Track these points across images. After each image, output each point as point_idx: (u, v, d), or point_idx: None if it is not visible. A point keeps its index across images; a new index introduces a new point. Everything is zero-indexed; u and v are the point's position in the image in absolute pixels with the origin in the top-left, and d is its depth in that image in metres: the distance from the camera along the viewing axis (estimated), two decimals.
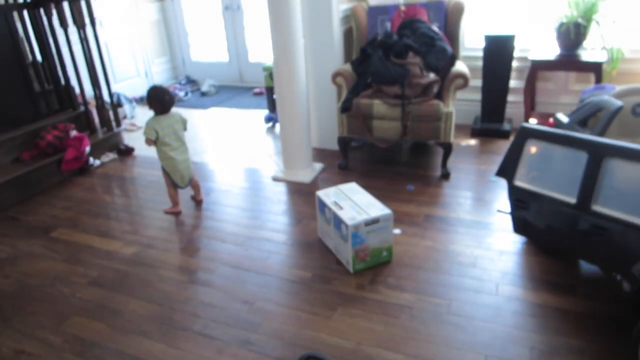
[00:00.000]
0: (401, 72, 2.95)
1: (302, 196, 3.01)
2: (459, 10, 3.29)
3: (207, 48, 5.89)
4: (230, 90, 5.55)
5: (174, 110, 2.81)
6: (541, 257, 2.26)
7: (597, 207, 1.73)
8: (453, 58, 3.06)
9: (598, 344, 1.77)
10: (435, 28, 3.16)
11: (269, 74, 4.06)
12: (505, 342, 1.81)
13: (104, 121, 3.90)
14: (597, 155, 1.70)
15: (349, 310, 2.02)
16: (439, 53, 3.01)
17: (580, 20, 3.18)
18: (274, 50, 2.96)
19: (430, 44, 3.04)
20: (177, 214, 2.90)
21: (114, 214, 3.01)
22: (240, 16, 5.46)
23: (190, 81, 5.81)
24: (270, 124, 4.35)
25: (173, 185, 2.87)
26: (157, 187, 3.19)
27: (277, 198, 3.04)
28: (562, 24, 3.23)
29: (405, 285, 2.15)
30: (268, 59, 3.87)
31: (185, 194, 3.04)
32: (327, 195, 2.41)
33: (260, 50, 5.48)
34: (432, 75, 2.99)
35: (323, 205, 2.38)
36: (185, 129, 2.85)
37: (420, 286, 2.14)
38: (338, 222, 2.23)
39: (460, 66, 3.08)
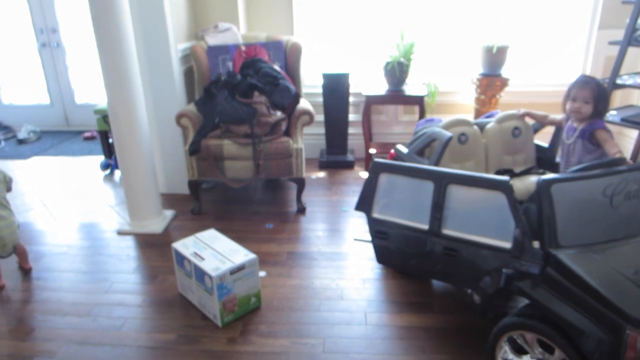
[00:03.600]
0: (249, 112, 2.94)
1: (155, 249, 2.76)
2: (297, 50, 3.43)
3: (22, 89, 5.18)
4: (55, 136, 4.93)
5: None
6: (399, 280, 2.40)
7: (447, 231, 1.90)
8: (297, 96, 3.16)
9: (460, 354, 1.91)
10: (277, 67, 3.23)
11: (102, 117, 3.71)
12: None
13: None
14: (442, 183, 1.88)
15: None
16: (284, 92, 3.07)
17: (402, 59, 3.56)
18: (109, 92, 2.71)
19: (274, 83, 3.09)
20: None
21: None
22: (61, 54, 4.93)
23: (3, 127, 5.01)
24: (107, 171, 3.96)
25: None
26: None
27: (126, 254, 2.73)
28: (388, 63, 3.58)
29: (278, 330, 2.08)
30: (99, 100, 3.52)
31: (8, 264, 2.56)
32: (185, 246, 2.24)
33: (89, 91, 5.01)
34: (279, 114, 3.04)
35: (182, 257, 2.20)
36: (9, 189, 2.44)
37: (293, 329, 2.09)
38: (201, 274, 2.08)
39: (304, 103, 3.19)
